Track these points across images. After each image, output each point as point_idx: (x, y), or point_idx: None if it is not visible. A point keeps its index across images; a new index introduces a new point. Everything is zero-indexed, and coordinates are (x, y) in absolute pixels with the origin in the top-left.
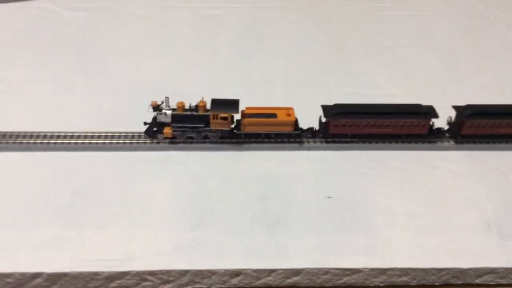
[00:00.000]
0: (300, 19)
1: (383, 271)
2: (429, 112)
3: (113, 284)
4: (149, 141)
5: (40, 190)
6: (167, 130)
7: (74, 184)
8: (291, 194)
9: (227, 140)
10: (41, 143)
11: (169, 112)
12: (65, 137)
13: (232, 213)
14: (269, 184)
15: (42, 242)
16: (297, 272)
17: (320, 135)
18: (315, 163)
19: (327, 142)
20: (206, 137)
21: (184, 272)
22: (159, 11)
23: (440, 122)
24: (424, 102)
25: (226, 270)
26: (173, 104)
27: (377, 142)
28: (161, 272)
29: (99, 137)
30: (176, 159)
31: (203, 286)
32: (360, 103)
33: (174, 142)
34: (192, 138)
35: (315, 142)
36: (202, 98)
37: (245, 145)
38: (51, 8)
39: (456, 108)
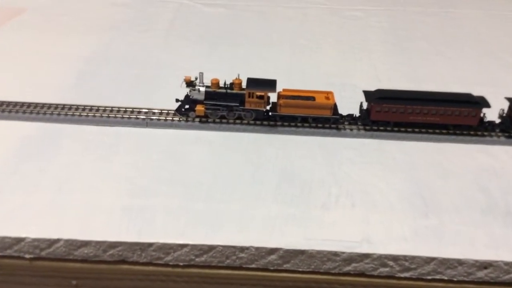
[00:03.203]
0: (434, 22)
1: None
2: (480, 101)
3: (349, 268)
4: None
5: (251, 169)
6: (199, 108)
7: (280, 165)
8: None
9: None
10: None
11: (202, 89)
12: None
13: (456, 203)
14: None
15: (270, 218)
16: None
17: (360, 122)
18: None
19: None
20: (239, 117)
21: (430, 260)
22: (296, 11)
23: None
24: None
25: (476, 261)
26: (207, 81)
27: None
28: (405, 258)
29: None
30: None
31: (444, 277)
32: (404, 89)
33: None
34: (225, 117)
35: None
36: (238, 75)
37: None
38: (187, 3)
39: (509, 99)
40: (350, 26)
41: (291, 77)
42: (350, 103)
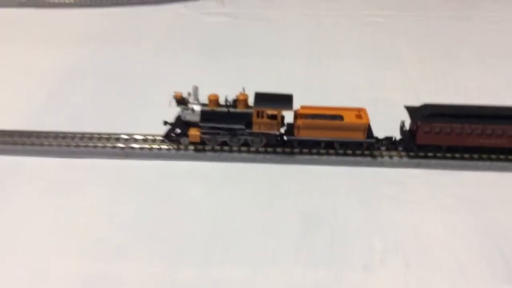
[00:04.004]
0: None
1: None
2: None
3: None
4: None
5: (263, 214)
6: (193, 132)
7: (300, 206)
8: None
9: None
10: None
11: (197, 108)
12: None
13: None
14: None
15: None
16: None
17: (401, 148)
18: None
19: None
20: (246, 144)
21: None
22: (308, 18)
23: None
24: None
25: None
26: (204, 98)
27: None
28: None
29: None
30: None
31: None
32: (457, 103)
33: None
34: (227, 144)
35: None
36: (243, 89)
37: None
38: (186, 13)
39: None
40: (373, 33)
41: (308, 92)
42: (384, 123)
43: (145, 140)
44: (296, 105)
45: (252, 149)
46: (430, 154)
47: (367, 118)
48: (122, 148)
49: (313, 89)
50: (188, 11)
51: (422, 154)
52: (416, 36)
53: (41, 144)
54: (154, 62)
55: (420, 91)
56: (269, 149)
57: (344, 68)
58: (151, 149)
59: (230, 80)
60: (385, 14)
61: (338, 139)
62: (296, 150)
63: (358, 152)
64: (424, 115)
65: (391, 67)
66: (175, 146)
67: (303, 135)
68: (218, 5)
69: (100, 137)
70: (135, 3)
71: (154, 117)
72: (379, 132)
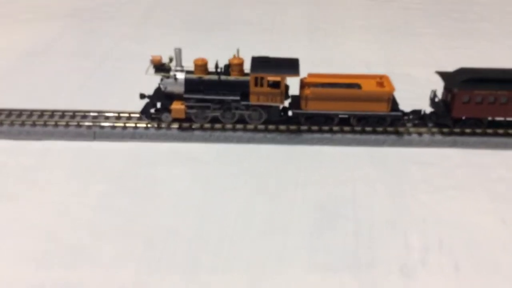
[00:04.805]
0: None
1: None
2: None
3: None
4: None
5: (265, 205)
6: (177, 107)
7: (312, 196)
8: None
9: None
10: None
11: (181, 76)
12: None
13: None
14: None
15: None
16: None
17: (432, 123)
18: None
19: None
20: (242, 120)
21: None
22: None
23: None
24: None
25: None
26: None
27: None
28: None
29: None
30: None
31: None
32: (500, 67)
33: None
34: (218, 121)
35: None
36: (238, 51)
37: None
38: None
39: None
40: (384, 9)
41: (315, 67)
42: (408, 98)
43: (118, 118)
44: (303, 73)
45: (250, 126)
46: (468, 130)
47: (391, 86)
48: (89, 127)
49: (320, 64)
50: None
51: (458, 130)
52: (432, 11)
53: None
54: (133, 38)
55: (443, 65)
56: (271, 127)
57: (354, 45)
58: (125, 127)
59: (222, 58)
60: None
61: (355, 113)
62: (304, 127)
63: (380, 129)
64: (462, 81)
65: (408, 42)
66: (154, 124)
67: (312, 108)
68: None
69: (62, 114)
70: None
71: (127, 94)
72: (404, 106)
